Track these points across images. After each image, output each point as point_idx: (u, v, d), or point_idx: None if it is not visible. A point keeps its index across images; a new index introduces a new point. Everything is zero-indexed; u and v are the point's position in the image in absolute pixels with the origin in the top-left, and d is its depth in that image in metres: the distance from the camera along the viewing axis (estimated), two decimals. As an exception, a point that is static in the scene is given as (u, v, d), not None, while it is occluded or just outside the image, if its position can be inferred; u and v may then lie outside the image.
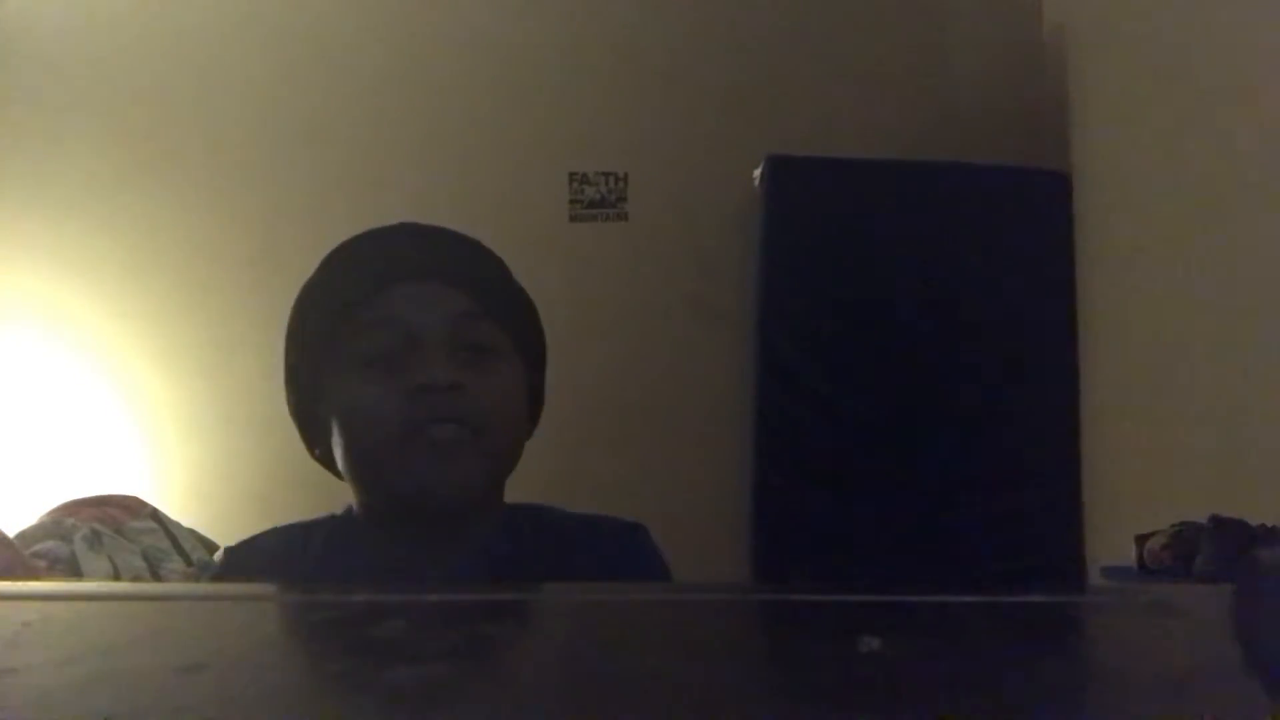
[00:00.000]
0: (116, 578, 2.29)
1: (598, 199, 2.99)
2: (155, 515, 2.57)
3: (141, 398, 2.94)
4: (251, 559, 0.92)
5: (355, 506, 0.92)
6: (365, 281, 0.90)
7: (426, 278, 0.90)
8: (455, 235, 0.96)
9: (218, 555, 1.07)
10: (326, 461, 0.93)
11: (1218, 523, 1.65)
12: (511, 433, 0.91)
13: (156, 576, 2.36)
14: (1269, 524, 1.56)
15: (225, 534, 2.65)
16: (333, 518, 0.95)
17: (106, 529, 2.41)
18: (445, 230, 0.96)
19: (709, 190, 2.93)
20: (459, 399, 0.85)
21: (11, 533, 2.32)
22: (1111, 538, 2.29)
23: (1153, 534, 1.76)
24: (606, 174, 2.99)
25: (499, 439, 0.89)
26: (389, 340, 0.87)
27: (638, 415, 2.93)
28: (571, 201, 2.98)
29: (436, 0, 3.09)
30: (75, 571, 2.27)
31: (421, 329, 0.87)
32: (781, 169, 2.61)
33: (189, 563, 2.46)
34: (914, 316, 2.55)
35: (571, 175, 2.99)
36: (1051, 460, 2.55)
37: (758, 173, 2.66)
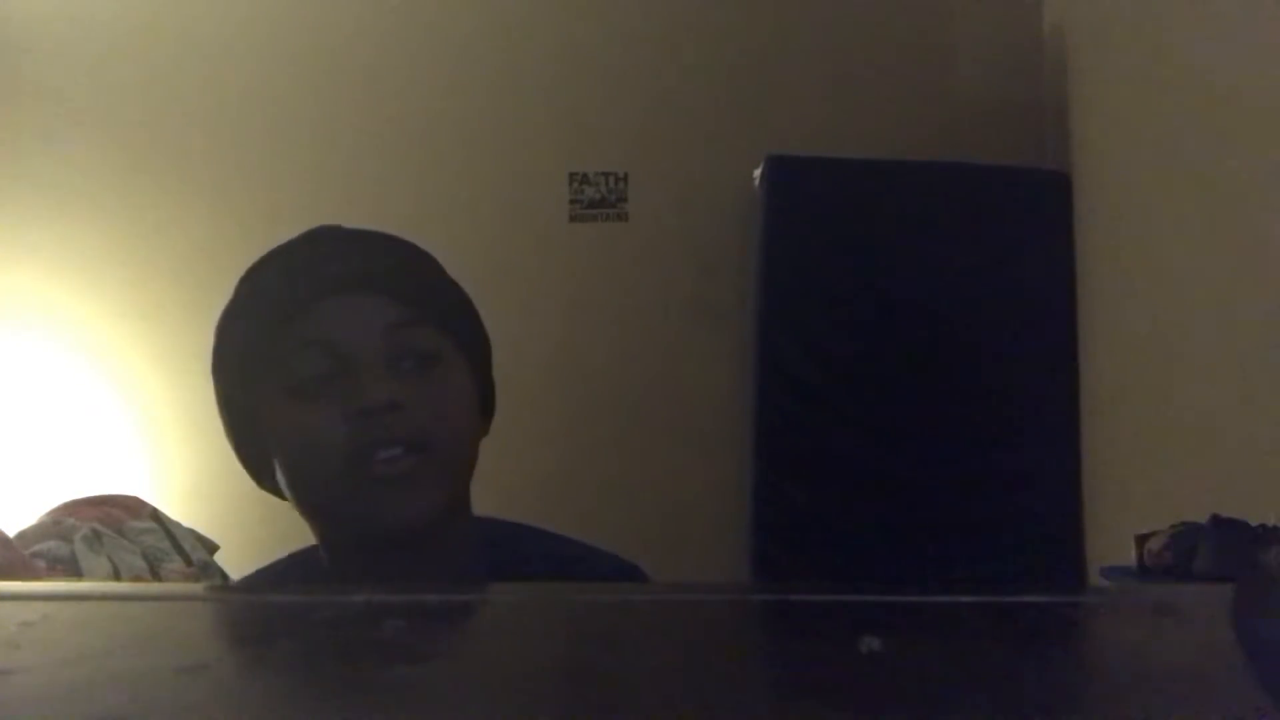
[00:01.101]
0: (116, 578, 2.28)
1: (598, 199, 2.99)
2: (155, 515, 2.57)
3: (141, 398, 2.95)
4: None
5: (316, 539, 0.89)
6: (286, 301, 0.84)
7: (351, 290, 0.83)
8: (379, 237, 0.90)
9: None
10: (277, 492, 0.87)
11: (1218, 523, 1.65)
12: (462, 442, 0.86)
13: (156, 576, 2.36)
14: (1269, 524, 1.56)
15: (225, 534, 2.66)
16: (304, 558, 0.92)
17: (106, 529, 2.41)
18: (368, 233, 0.90)
19: (709, 190, 2.93)
20: (401, 418, 0.80)
21: (11, 533, 2.32)
22: (1111, 538, 2.29)
23: (1153, 534, 1.76)
24: (606, 174, 2.99)
25: (450, 452, 0.83)
26: (319, 363, 0.82)
27: (638, 415, 2.93)
28: (571, 201, 2.98)
29: (436, 0, 3.09)
30: (75, 571, 2.27)
31: (352, 347, 0.82)
32: (781, 169, 2.62)
33: (189, 563, 2.47)
34: (913, 316, 2.55)
35: (571, 175, 2.99)
36: (1051, 460, 2.55)
37: (758, 173, 2.66)
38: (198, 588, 1.85)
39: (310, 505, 0.84)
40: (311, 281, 0.84)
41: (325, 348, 0.82)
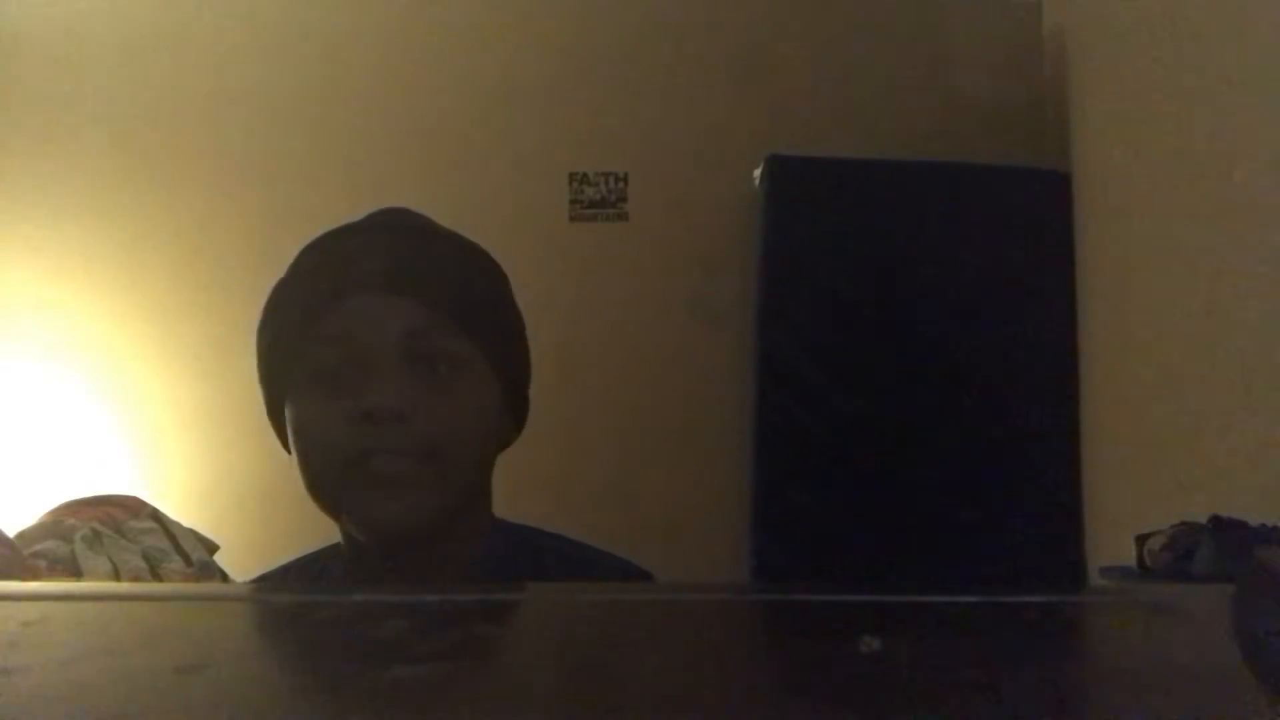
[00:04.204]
0: (116, 578, 2.28)
1: (598, 199, 2.99)
2: (155, 515, 2.57)
3: (141, 398, 2.95)
4: None
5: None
6: (322, 290, 0.85)
7: (384, 290, 0.84)
8: (429, 235, 0.91)
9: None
10: None
11: (1218, 523, 1.65)
12: (473, 450, 0.87)
13: (156, 576, 2.36)
14: (1269, 524, 1.56)
15: (225, 534, 2.66)
16: (328, 553, 0.93)
17: (106, 529, 2.41)
18: (419, 230, 0.92)
19: (709, 190, 2.93)
20: (406, 427, 0.81)
21: (11, 533, 2.32)
22: (1111, 538, 2.29)
23: (1153, 534, 1.76)
24: (606, 174, 2.99)
25: (456, 460, 0.84)
26: (339, 357, 0.83)
27: (637, 415, 2.93)
28: (571, 201, 2.98)
29: (437, 0, 3.09)
30: (75, 571, 2.27)
31: (372, 346, 0.82)
32: (781, 169, 2.62)
33: (189, 563, 2.46)
34: (914, 316, 2.55)
35: (571, 175, 2.99)
36: (1051, 461, 2.55)
37: (758, 173, 2.66)
38: (198, 588, 1.85)
39: (312, 493, 0.86)
40: (347, 275, 0.85)
41: (343, 344, 0.83)
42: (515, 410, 0.93)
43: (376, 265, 0.86)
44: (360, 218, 0.95)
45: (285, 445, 0.91)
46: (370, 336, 0.83)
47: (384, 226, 0.91)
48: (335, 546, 0.94)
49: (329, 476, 0.83)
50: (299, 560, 0.96)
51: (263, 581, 0.95)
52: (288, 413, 0.86)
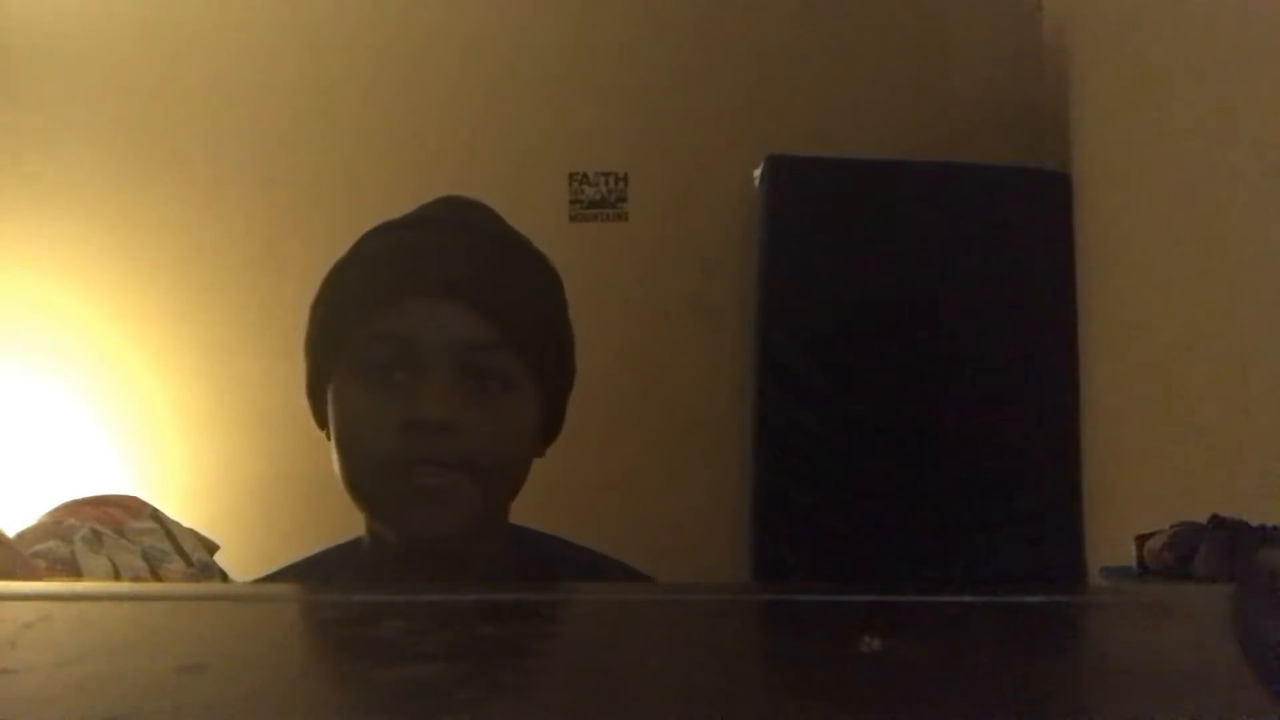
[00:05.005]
0: (116, 578, 2.28)
1: (598, 199, 2.99)
2: (155, 515, 2.57)
3: (141, 398, 2.95)
4: None
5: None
6: (385, 284, 0.84)
7: (448, 296, 0.82)
8: (498, 240, 0.89)
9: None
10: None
11: (1218, 523, 1.65)
12: (511, 467, 0.87)
13: (156, 576, 2.36)
14: (1269, 524, 1.56)
15: (225, 534, 2.66)
16: (345, 549, 0.93)
17: (106, 529, 2.41)
18: (489, 234, 0.90)
19: (709, 190, 2.93)
20: (452, 440, 0.80)
21: (11, 533, 2.32)
22: (1111, 538, 2.29)
23: (1153, 534, 1.76)
24: (606, 174, 2.99)
25: (495, 477, 0.84)
26: (392, 357, 0.82)
27: (637, 415, 2.93)
28: (571, 201, 2.98)
29: (437, 0, 3.09)
30: (75, 571, 2.27)
31: (426, 353, 0.81)
32: (781, 169, 2.62)
33: (189, 563, 2.46)
34: (914, 316, 2.55)
35: (571, 175, 2.99)
36: (1051, 460, 2.55)
37: (758, 173, 2.66)
38: (198, 588, 1.85)
39: (349, 490, 0.85)
40: (409, 273, 0.83)
41: (400, 346, 0.82)
42: (550, 424, 0.92)
43: (443, 269, 0.84)
44: (426, 204, 0.93)
45: (319, 422, 0.90)
46: (427, 342, 0.82)
47: (454, 225, 0.90)
48: (341, 548, 0.94)
49: (369, 477, 0.83)
50: (306, 560, 0.96)
51: (265, 581, 0.95)
52: (331, 399, 0.86)
